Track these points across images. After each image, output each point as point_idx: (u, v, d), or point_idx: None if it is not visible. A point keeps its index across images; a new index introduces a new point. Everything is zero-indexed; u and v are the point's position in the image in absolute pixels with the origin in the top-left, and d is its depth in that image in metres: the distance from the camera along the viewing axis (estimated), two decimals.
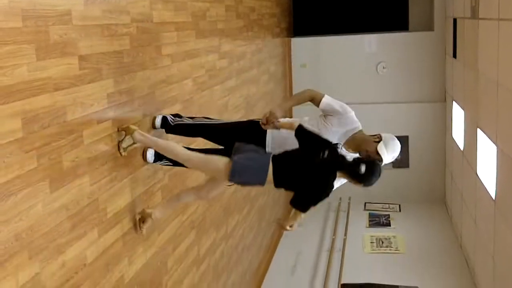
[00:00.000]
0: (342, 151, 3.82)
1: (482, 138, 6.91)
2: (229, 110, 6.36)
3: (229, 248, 6.40)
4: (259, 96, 8.11)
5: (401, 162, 10.68)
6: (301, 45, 10.85)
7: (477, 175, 7.18)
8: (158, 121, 4.19)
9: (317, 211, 10.42)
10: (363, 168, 3.53)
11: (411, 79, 10.53)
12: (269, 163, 3.49)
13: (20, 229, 2.66)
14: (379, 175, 3.59)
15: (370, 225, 9.88)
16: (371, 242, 9.04)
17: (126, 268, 3.80)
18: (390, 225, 9.81)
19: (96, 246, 3.38)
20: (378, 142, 3.81)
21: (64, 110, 3.01)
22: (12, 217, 2.60)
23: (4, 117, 2.54)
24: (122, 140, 3.64)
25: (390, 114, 10.51)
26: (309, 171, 3.51)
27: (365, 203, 10.71)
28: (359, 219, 10.05)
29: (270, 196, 8.81)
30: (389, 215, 10.25)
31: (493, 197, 6.23)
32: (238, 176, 3.48)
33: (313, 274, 7.86)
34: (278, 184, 3.56)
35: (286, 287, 7.73)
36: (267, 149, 3.91)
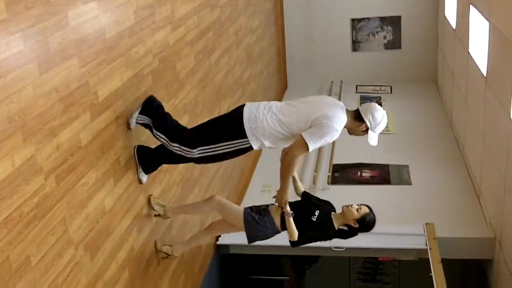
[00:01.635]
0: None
1: (474, 15, 6.82)
2: None
3: None
4: None
5: (393, 43, 10.60)
6: None
7: (468, 53, 7.15)
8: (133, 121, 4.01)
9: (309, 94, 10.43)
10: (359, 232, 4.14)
11: None
12: (275, 231, 4.17)
13: (12, 111, 2.66)
14: (374, 225, 4.11)
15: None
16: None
17: (121, 151, 3.84)
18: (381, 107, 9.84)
19: (89, 129, 3.40)
20: (366, 131, 3.89)
21: None
22: (3, 99, 2.59)
23: None
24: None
25: None
26: (307, 227, 4.05)
27: (356, 85, 10.72)
28: (351, 102, 10.04)
29: (261, 79, 8.80)
30: (380, 97, 10.29)
31: (484, 75, 6.23)
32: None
33: (305, 156, 7.98)
34: (283, 230, 4.13)
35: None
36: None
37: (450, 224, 6.19)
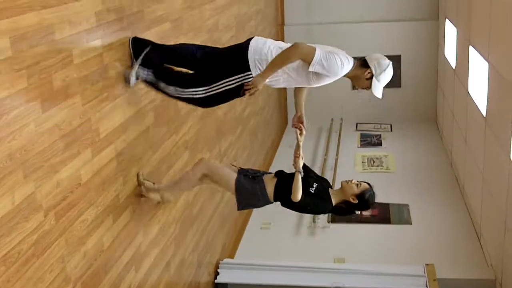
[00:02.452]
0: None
1: (474, 56, 6.88)
2: (219, 30, 6.27)
3: None
4: (249, 16, 7.99)
5: (393, 81, 10.64)
6: None
7: (468, 93, 7.19)
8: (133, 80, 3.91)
9: (309, 133, 10.46)
10: (357, 212, 4.09)
11: None
12: (266, 200, 4.07)
13: (14, 148, 2.66)
14: (373, 202, 4.03)
15: (362, 145, 9.96)
16: (362, 162, 9.13)
17: (121, 188, 3.83)
18: (381, 145, 9.89)
19: (90, 166, 3.40)
20: (371, 78, 3.85)
21: (52, 28, 2.95)
22: (5, 137, 2.60)
23: None
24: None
25: (382, 33, 10.40)
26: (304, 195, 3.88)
27: (356, 123, 10.76)
28: (351, 139, 10.11)
29: (262, 116, 8.83)
30: (380, 135, 10.31)
31: (484, 115, 6.26)
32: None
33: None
34: (276, 200, 4.07)
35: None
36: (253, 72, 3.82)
37: (450, 265, 6.14)
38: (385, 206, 7.59)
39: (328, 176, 8.51)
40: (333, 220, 7.23)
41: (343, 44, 11.44)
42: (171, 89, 3.91)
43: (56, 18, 2.99)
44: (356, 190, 3.95)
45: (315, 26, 10.61)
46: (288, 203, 3.98)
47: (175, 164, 4.87)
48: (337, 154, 9.28)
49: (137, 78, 3.90)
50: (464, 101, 7.45)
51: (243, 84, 3.82)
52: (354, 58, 3.91)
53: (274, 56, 3.76)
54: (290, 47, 3.76)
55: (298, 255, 6.47)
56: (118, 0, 3.71)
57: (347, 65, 3.80)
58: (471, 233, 6.87)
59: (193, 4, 5.30)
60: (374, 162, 9.13)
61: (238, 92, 3.87)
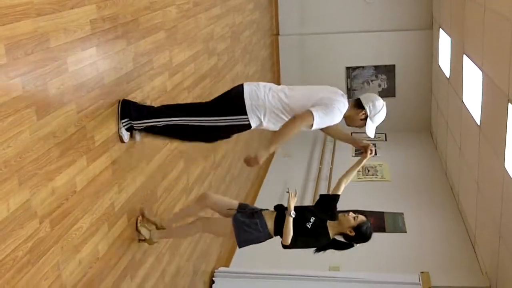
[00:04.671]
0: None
1: (468, 64, 6.92)
2: (214, 39, 6.30)
3: (218, 178, 6.46)
4: (244, 25, 8.02)
5: (388, 91, 10.70)
6: None
7: (462, 101, 7.23)
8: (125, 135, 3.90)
9: (304, 142, 10.52)
10: (357, 244, 4.08)
11: (398, 7, 10.42)
12: (266, 235, 4.06)
13: (9, 155, 2.67)
14: (371, 235, 4.07)
15: (356, 154, 9.94)
16: (357, 171, 9.12)
17: (116, 196, 3.84)
18: (376, 154, 9.89)
19: (85, 174, 3.41)
20: (365, 119, 3.96)
21: (47, 36, 2.97)
22: (0, 144, 2.60)
23: None
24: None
25: (377, 42, 10.46)
26: (301, 233, 3.95)
27: (351, 133, 10.75)
28: (345, 149, 10.07)
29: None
30: (375, 144, 10.32)
31: (478, 123, 6.29)
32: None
33: (300, 203, 7.96)
34: (276, 235, 4.05)
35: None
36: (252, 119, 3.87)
37: (445, 273, 6.14)
38: (380, 215, 7.61)
39: (323, 185, 8.54)
40: None
41: (339, 54, 11.54)
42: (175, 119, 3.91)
43: (51, 26, 3.00)
44: (353, 222, 4.00)
45: (309, 36, 10.67)
46: None
47: (170, 174, 4.88)
48: (331, 163, 9.30)
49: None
50: (458, 110, 7.49)
51: (236, 125, 3.88)
52: (348, 98, 3.99)
53: (271, 101, 3.84)
54: (289, 122, 3.81)
55: (293, 263, 6.46)
56: (113, 8, 3.73)
57: (343, 108, 3.89)
58: (465, 241, 6.88)
59: (188, 13, 5.32)
60: (369, 171, 9.15)
61: (229, 130, 3.97)
